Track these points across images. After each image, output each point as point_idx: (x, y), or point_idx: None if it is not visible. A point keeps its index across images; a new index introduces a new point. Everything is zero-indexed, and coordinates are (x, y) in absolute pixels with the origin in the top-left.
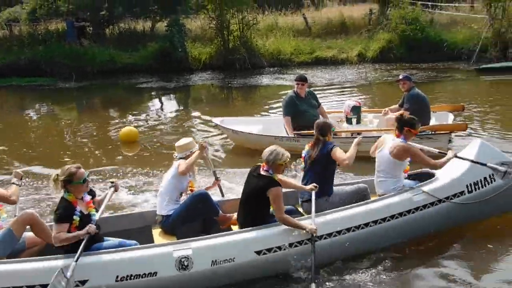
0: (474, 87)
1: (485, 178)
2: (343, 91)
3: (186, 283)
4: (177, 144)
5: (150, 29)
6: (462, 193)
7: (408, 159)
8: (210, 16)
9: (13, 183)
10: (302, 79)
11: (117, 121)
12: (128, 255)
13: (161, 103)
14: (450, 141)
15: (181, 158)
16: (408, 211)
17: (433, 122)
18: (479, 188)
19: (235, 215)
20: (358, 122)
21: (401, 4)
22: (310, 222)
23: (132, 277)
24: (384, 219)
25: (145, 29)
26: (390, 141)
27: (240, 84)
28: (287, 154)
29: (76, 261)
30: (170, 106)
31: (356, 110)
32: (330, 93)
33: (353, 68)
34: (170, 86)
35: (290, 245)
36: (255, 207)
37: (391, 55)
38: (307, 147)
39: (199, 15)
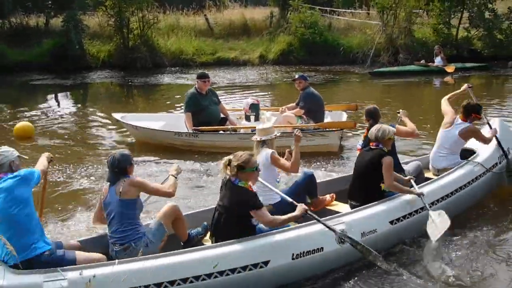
0: (368, 89)
1: (504, 151)
2: (244, 91)
3: (344, 256)
4: (260, 127)
5: (45, 24)
6: (496, 164)
7: None
8: (109, 13)
9: (172, 175)
10: (204, 76)
11: (9, 117)
12: (299, 233)
13: (58, 100)
14: (341, 137)
15: (263, 140)
16: (473, 180)
17: (328, 120)
18: (502, 161)
19: (327, 197)
20: (257, 119)
21: (300, 8)
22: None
23: (305, 254)
24: (464, 186)
25: (39, 24)
26: (457, 124)
27: (141, 82)
28: (393, 129)
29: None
30: (67, 103)
31: (254, 107)
32: (232, 92)
33: (255, 69)
34: (67, 84)
35: (410, 214)
36: (371, 180)
37: (292, 57)
38: (363, 138)
39: (97, 12)
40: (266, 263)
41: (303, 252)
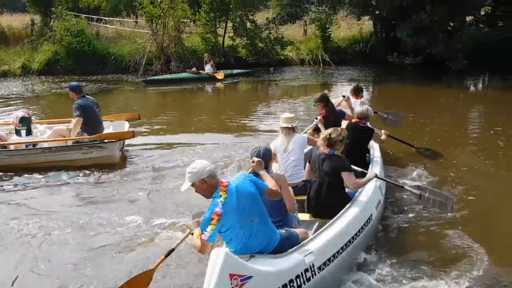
0: (144, 97)
1: None
2: (8, 104)
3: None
4: (285, 116)
5: None
6: None
7: None
8: None
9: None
10: None
11: None
12: (370, 191)
13: None
14: (122, 148)
15: (288, 127)
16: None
17: (110, 131)
18: None
19: None
20: (29, 133)
21: (65, 16)
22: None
23: (378, 205)
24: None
25: None
26: (355, 101)
27: None
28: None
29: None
30: None
31: (25, 121)
32: None
33: (18, 80)
34: None
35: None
36: (365, 149)
37: (59, 67)
38: (319, 117)
39: None
40: (371, 216)
41: (377, 203)
